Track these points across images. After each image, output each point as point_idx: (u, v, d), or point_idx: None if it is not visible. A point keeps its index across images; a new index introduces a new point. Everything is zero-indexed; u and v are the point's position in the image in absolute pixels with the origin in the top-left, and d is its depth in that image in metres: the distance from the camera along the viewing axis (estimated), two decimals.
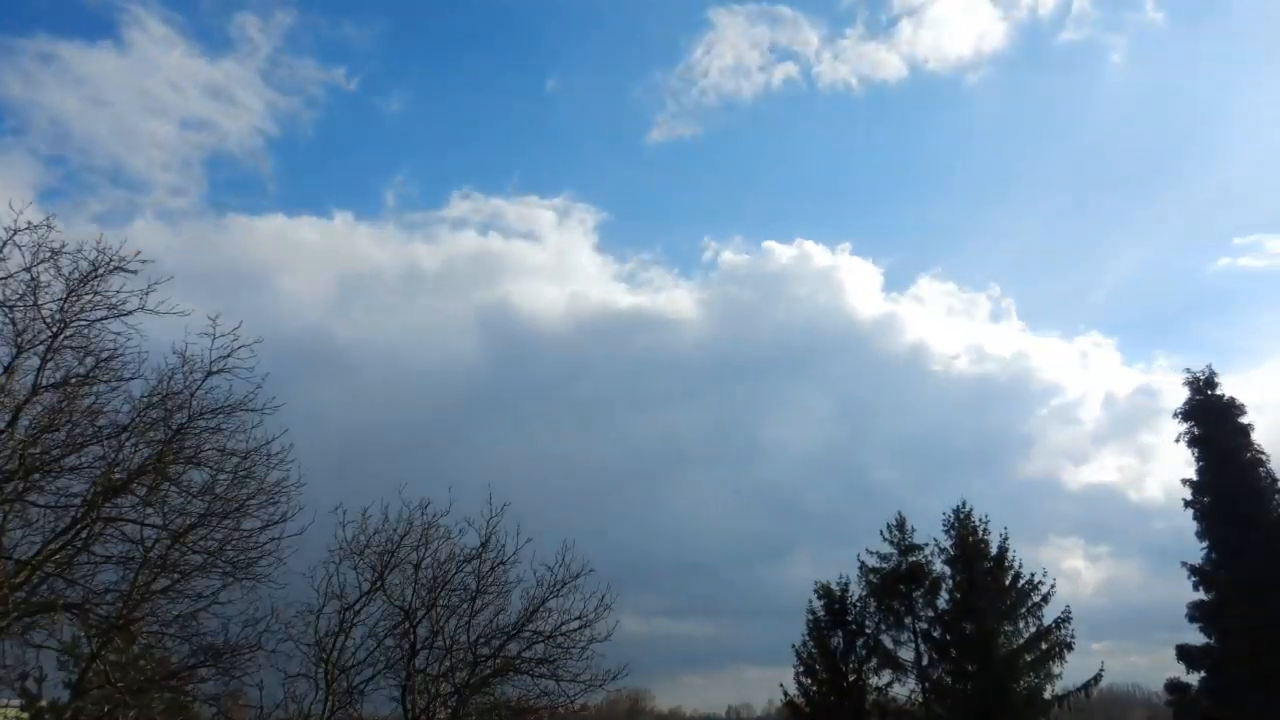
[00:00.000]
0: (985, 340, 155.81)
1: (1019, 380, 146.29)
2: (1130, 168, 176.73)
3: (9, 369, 13.24)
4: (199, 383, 14.32)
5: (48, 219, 13.35)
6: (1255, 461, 33.25)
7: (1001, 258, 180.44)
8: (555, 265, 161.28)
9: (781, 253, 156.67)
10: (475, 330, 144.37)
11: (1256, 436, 33.53)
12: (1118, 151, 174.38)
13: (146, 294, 13.72)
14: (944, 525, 36.07)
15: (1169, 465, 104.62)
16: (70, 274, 13.46)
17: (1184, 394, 34.91)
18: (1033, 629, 34.06)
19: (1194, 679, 32.83)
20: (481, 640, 17.13)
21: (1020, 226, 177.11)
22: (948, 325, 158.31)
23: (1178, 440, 34.72)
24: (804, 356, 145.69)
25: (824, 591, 36.32)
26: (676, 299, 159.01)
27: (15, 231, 13.11)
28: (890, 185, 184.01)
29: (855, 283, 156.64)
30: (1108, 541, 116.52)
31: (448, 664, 17.00)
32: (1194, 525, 33.65)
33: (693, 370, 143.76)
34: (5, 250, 13.18)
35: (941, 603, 35.41)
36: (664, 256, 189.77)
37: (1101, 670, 34.33)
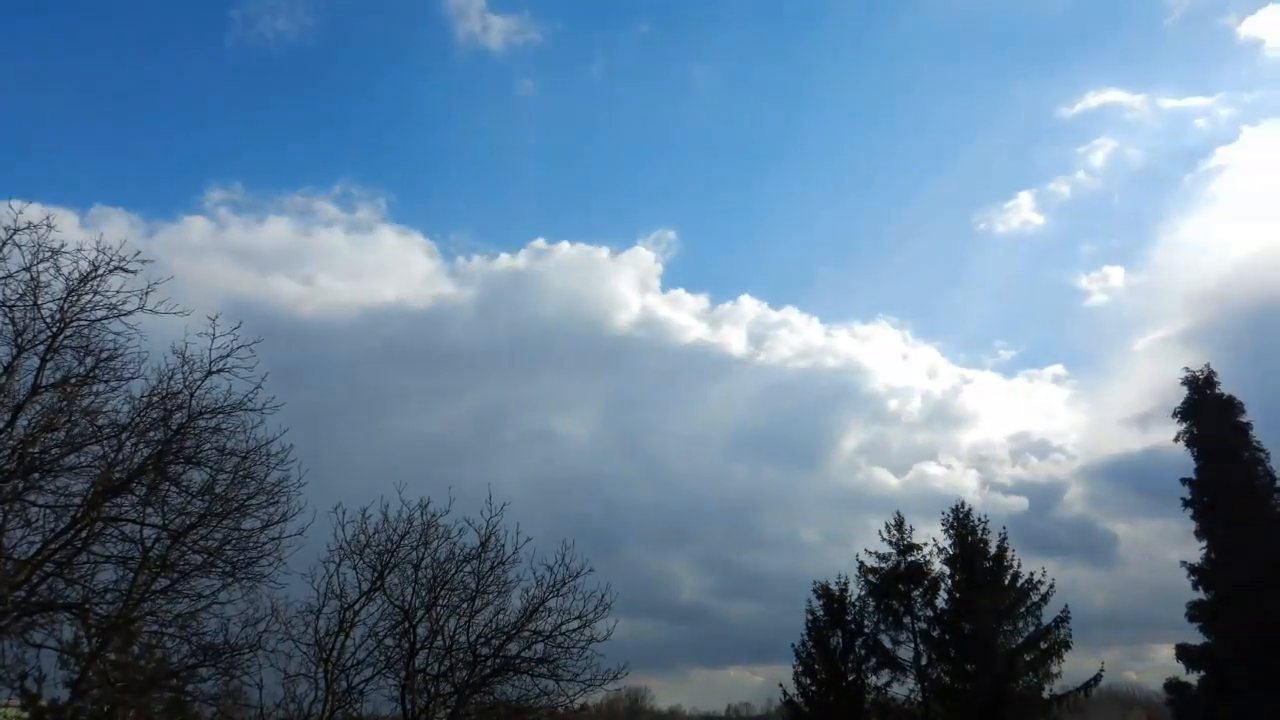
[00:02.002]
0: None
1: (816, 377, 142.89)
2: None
3: (9, 369, 13.27)
4: (199, 382, 14.37)
5: (47, 218, 13.39)
6: (1254, 460, 33.27)
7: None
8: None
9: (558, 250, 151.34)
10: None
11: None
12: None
13: (146, 294, 13.77)
14: (943, 525, 36.15)
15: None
16: (70, 274, 13.50)
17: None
18: (1032, 628, 34.09)
19: (1194, 678, 32.88)
20: (481, 640, 17.12)
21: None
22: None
23: (1176, 439, 34.77)
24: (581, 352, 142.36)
25: (823, 591, 36.34)
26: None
27: (15, 231, 13.14)
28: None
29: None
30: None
31: (447, 664, 17.00)
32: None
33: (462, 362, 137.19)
34: (5, 250, 13.21)
35: (940, 602, 35.43)
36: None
37: (1101, 670, 34.41)
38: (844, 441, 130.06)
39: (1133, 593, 79.94)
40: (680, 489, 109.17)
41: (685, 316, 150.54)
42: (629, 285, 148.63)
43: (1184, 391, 35.05)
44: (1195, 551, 33.36)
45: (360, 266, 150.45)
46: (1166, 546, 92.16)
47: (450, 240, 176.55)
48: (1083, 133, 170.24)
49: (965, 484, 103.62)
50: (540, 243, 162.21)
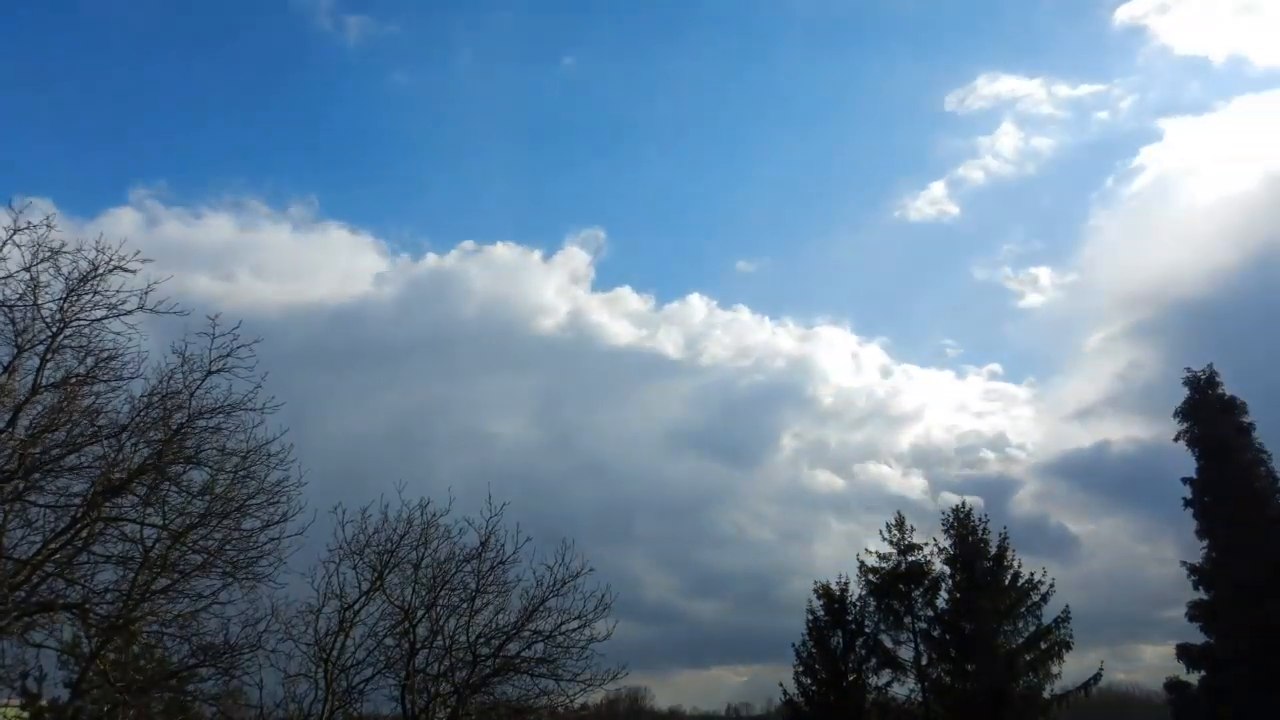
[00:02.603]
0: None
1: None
2: None
3: (9, 368, 13.26)
4: (199, 382, 14.35)
5: (47, 218, 13.37)
6: (1256, 460, 33.27)
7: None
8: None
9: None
10: None
11: None
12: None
13: (146, 294, 13.75)
14: (943, 525, 36.16)
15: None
16: (70, 274, 13.47)
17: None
18: (1032, 628, 34.10)
19: (1194, 678, 32.90)
20: (481, 640, 17.14)
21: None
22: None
23: (1177, 439, 34.77)
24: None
25: (823, 591, 36.37)
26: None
27: (15, 230, 13.12)
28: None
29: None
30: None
31: (447, 663, 17.01)
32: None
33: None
34: (5, 250, 13.20)
35: (941, 602, 35.48)
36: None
37: (1101, 670, 34.42)
38: (785, 440, 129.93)
39: (1105, 590, 79.77)
40: (622, 488, 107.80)
41: (619, 317, 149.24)
42: (558, 286, 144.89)
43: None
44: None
45: (287, 265, 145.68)
46: (1131, 542, 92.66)
47: (386, 238, 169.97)
48: (985, 121, 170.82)
49: (913, 483, 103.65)
50: (469, 244, 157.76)
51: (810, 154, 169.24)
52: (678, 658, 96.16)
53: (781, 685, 36.10)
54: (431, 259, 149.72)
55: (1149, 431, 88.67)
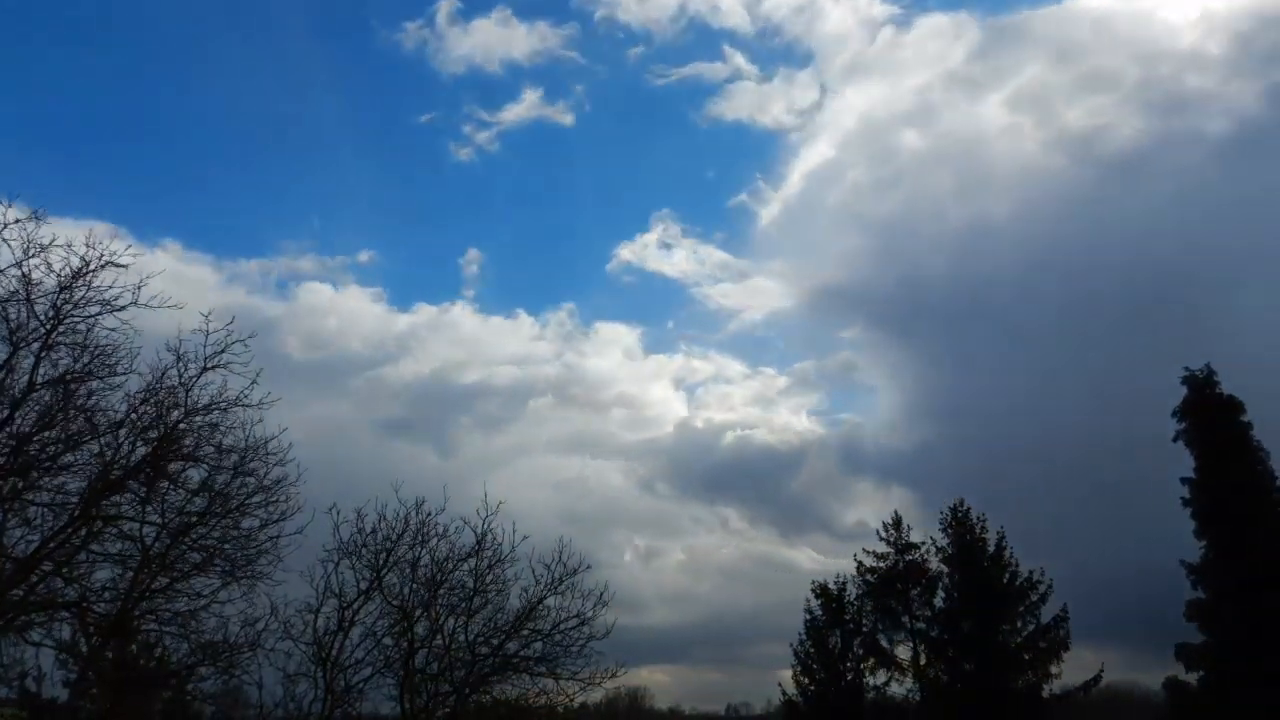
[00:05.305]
0: None
1: None
2: None
3: (5, 365, 13.20)
4: (194, 379, 14.30)
5: (35, 213, 13.29)
6: (1254, 460, 33.23)
7: None
8: None
9: None
10: None
11: None
12: None
13: (139, 288, 13.70)
14: (941, 524, 36.13)
15: None
16: (62, 269, 13.42)
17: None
18: (1030, 627, 34.07)
19: (1193, 678, 32.86)
20: (480, 639, 17.10)
21: None
22: None
23: (1175, 439, 34.71)
24: None
25: (821, 591, 36.35)
26: None
27: (4, 226, 13.05)
28: None
29: None
30: None
31: (446, 663, 16.97)
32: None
33: None
34: None
35: (939, 602, 35.43)
36: None
37: (1101, 670, 34.39)
38: None
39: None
40: None
41: None
42: None
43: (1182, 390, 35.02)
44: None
45: None
46: None
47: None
48: None
49: None
50: None
51: None
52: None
53: (780, 685, 36.16)
54: None
55: None
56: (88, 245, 13.50)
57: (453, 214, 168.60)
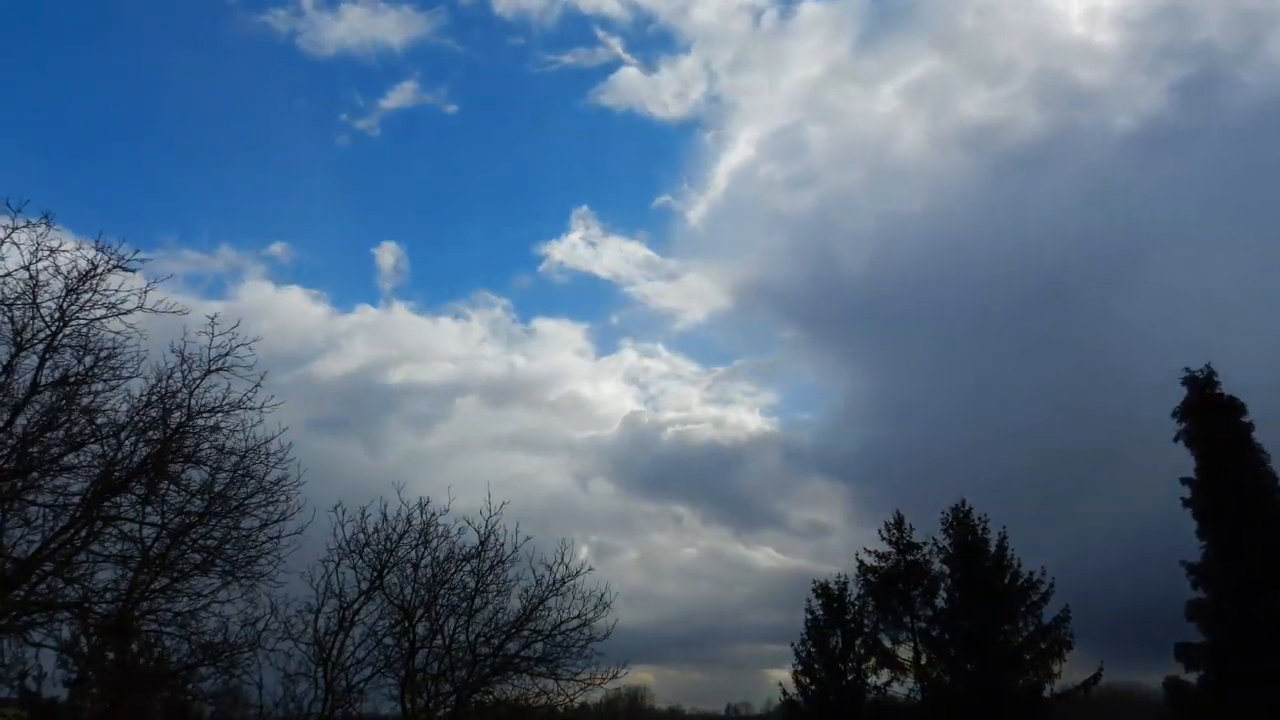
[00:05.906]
0: None
1: None
2: None
3: (8, 367, 13.21)
4: (198, 381, 14.32)
5: (45, 217, 13.32)
6: (1255, 460, 33.23)
7: None
8: None
9: None
10: None
11: None
12: None
13: (145, 293, 13.72)
14: (942, 524, 36.13)
15: None
16: (69, 272, 13.43)
17: None
18: (1031, 627, 34.08)
19: (1193, 678, 32.87)
20: (481, 639, 17.13)
21: None
22: None
23: (1176, 439, 34.70)
24: None
25: (822, 591, 36.37)
26: None
27: (13, 229, 13.07)
28: None
29: None
30: None
31: (447, 663, 16.99)
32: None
33: None
34: (4, 248, 13.15)
35: (940, 601, 35.46)
36: None
37: (1101, 669, 34.39)
38: None
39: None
40: None
41: None
42: None
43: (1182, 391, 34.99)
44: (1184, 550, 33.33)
45: None
46: None
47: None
48: None
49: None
50: None
51: None
52: None
53: (781, 685, 36.20)
54: None
55: None
56: (96, 248, 13.53)
57: (354, 206, 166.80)
